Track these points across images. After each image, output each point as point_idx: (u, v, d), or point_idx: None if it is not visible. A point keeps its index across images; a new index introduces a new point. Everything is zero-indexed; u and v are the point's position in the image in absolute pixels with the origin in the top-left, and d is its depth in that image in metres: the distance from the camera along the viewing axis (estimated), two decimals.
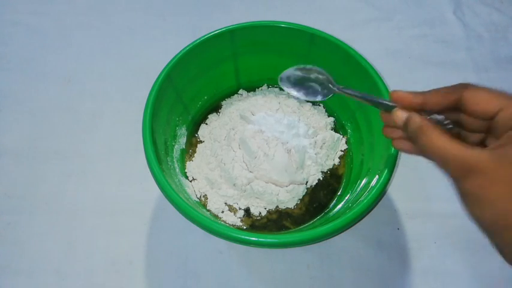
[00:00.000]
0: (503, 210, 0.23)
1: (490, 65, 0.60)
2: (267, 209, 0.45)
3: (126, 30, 0.63)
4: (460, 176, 0.24)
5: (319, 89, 0.37)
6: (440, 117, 0.29)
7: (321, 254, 0.45)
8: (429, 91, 0.30)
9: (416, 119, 0.28)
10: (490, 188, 0.23)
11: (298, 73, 0.39)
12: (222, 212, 0.44)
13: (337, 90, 0.36)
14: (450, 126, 0.29)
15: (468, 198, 0.24)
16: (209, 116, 0.51)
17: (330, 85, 0.36)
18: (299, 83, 0.39)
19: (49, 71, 0.58)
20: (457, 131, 0.30)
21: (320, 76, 0.37)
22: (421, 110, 0.29)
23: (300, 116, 0.49)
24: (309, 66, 0.38)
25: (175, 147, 0.46)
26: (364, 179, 0.41)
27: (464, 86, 0.28)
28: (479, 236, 0.47)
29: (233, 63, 0.49)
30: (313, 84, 0.38)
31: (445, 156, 0.25)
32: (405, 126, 0.29)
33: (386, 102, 0.31)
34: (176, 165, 0.45)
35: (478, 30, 0.64)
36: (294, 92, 0.39)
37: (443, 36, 0.63)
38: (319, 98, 0.37)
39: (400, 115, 0.29)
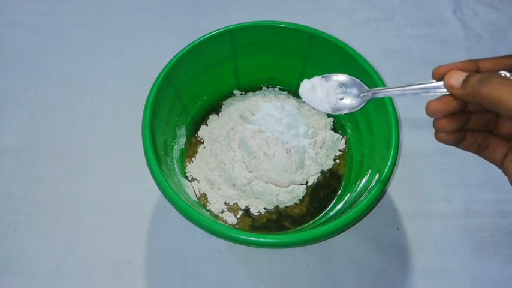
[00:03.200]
0: None
1: None
2: (267, 209, 0.45)
3: (125, 31, 0.63)
4: None
5: (347, 101, 0.34)
6: (502, 73, 0.27)
7: (321, 254, 0.45)
8: (480, 58, 0.28)
9: (478, 74, 0.26)
10: None
11: (323, 83, 0.35)
12: (222, 212, 0.44)
13: (372, 95, 0.32)
14: None
15: None
16: (209, 116, 0.51)
17: (364, 93, 0.33)
18: (326, 95, 0.35)
19: (49, 71, 0.58)
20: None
21: (350, 89, 0.34)
22: None
23: (299, 116, 0.49)
24: (333, 75, 0.35)
25: (175, 147, 0.46)
26: (364, 179, 0.42)
27: None
28: (480, 235, 0.48)
29: (233, 63, 0.49)
30: (342, 95, 0.34)
31: None
32: (464, 83, 0.27)
33: (433, 84, 0.29)
34: (176, 165, 0.45)
35: (478, 30, 0.64)
36: (316, 105, 0.35)
37: (443, 36, 0.63)
38: (346, 111, 0.34)
39: (459, 75, 0.27)
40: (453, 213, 0.48)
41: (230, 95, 0.52)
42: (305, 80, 0.36)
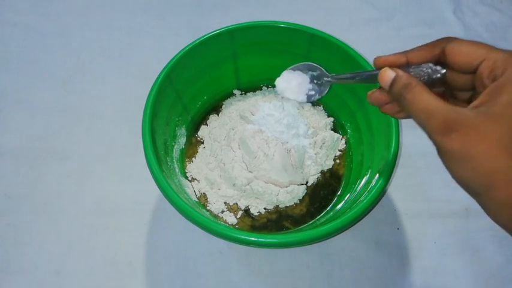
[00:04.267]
0: (487, 168, 0.22)
1: None
2: (267, 209, 0.45)
3: (125, 31, 0.63)
4: (442, 132, 0.23)
5: (316, 86, 0.37)
6: (427, 65, 0.29)
7: (321, 254, 0.45)
8: (412, 49, 0.29)
9: (403, 78, 0.27)
10: (473, 146, 0.22)
11: (293, 75, 0.39)
12: (222, 212, 0.44)
13: (331, 80, 0.36)
14: (443, 71, 0.28)
15: (451, 157, 0.23)
16: (209, 116, 0.51)
17: (325, 78, 0.36)
18: (298, 86, 0.39)
19: (49, 71, 0.58)
20: (443, 90, 0.30)
21: (313, 72, 0.38)
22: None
23: (299, 116, 0.49)
24: (300, 64, 0.38)
25: (175, 147, 0.46)
26: (364, 179, 0.42)
27: (447, 40, 0.28)
28: (479, 236, 0.48)
29: (233, 64, 0.49)
30: (310, 83, 0.38)
31: (428, 111, 0.24)
32: (391, 86, 0.28)
33: (375, 72, 0.30)
34: (176, 165, 0.45)
35: (478, 30, 0.64)
36: (293, 96, 0.38)
37: (442, 36, 0.63)
38: (317, 96, 0.37)
39: (388, 74, 0.28)
40: (453, 213, 0.48)
41: (230, 95, 0.52)
42: (277, 79, 0.39)
